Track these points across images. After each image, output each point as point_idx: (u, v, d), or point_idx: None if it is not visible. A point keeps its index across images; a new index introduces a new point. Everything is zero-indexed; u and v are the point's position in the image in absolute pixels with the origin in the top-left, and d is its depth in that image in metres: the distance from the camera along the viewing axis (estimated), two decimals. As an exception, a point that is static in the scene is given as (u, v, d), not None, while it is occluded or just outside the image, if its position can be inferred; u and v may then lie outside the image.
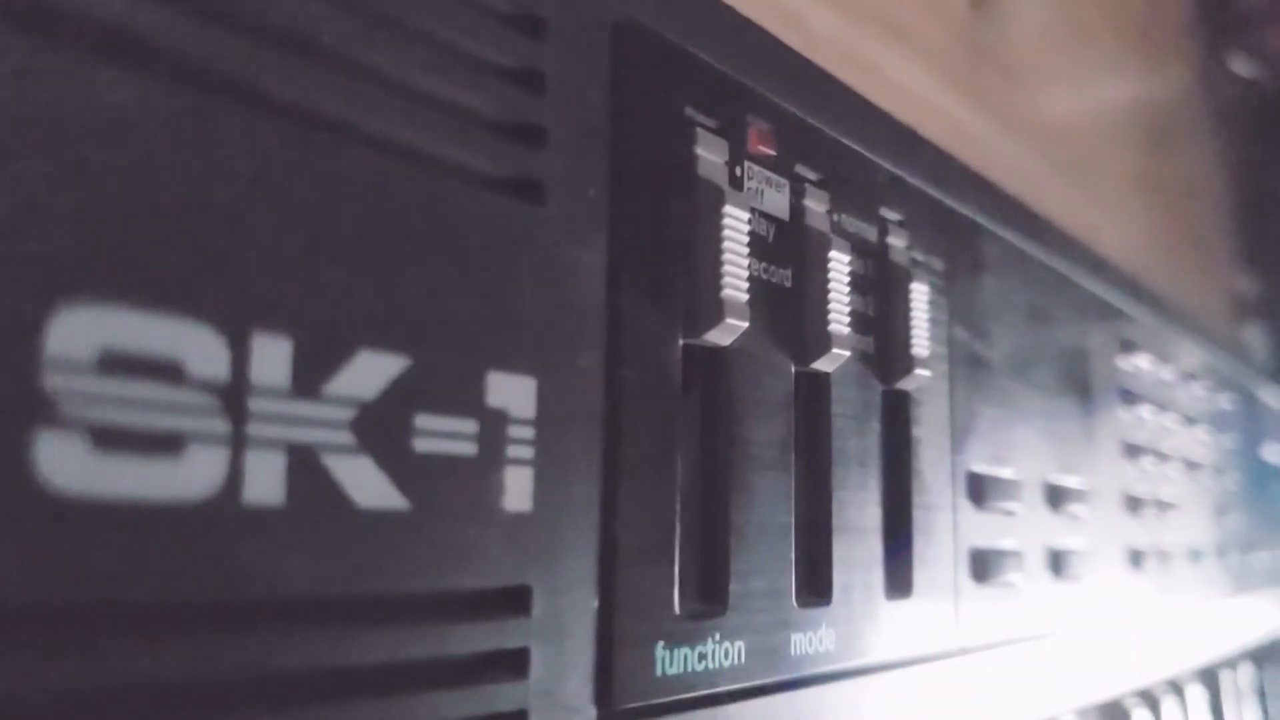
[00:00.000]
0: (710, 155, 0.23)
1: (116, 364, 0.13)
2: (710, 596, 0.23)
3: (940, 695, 0.31)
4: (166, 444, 0.13)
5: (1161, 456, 0.55)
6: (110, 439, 0.13)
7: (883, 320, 0.30)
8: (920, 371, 0.30)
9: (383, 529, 0.16)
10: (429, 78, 0.17)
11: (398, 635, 0.16)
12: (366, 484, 0.16)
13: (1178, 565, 0.56)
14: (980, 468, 0.35)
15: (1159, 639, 0.53)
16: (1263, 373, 0.86)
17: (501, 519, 0.18)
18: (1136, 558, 0.50)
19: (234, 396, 0.14)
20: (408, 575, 0.16)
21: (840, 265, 0.27)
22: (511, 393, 0.18)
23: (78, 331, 0.12)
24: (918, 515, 0.31)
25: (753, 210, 0.25)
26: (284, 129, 0.15)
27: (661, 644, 0.21)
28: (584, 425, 0.20)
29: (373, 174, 0.16)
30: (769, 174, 0.25)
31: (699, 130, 0.23)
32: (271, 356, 0.14)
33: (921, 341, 0.30)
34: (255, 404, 0.14)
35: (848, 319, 0.27)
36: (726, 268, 0.23)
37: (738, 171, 0.24)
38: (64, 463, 0.12)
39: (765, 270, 0.25)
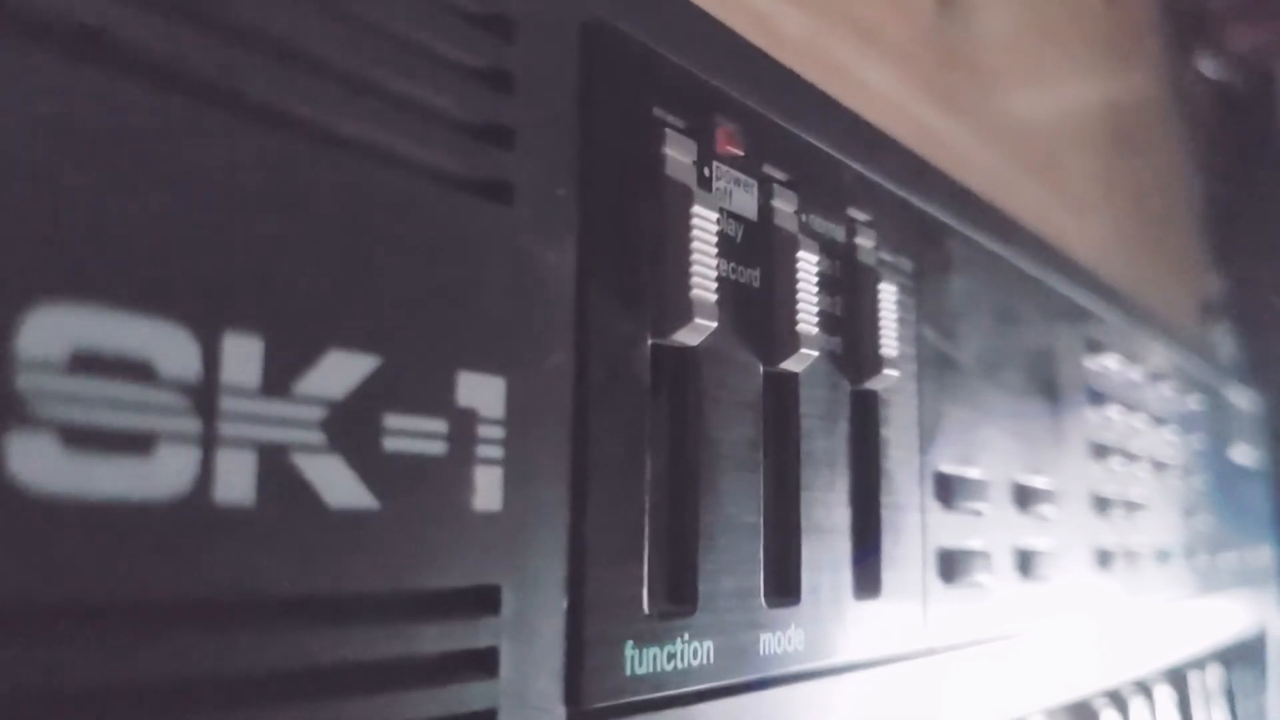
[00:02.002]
0: (679, 155, 0.24)
1: (88, 364, 0.13)
2: (679, 596, 0.23)
3: (909, 695, 0.32)
4: (138, 443, 0.13)
5: (1129, 457, 0.56)
6: (82, 438, 0.13)
7: (851, 320, 0.30)
8: (888, 371, 0.30)
9: (353, 528, 0.16)
10: (398, 78, 0.18)
11: (368, 634, 0.16)
12: (337, 483, 0.16)
13: (1146, 566, 0.57)
14: (948, 468, 0.35)
15: (1127, 639, 0.54)
16: (1230, 373, 0.88)
17: (471, 518, 0.18)
18: (1104, 558, 0.51)
19: (205, 396, 0.14)
20: (378, 574, 0.17)
21: (808, 265, 0.27)
22: (481, 392, 0.19)
23: (50, 331, 0.13)
24: (886, 515, 0.31)
25: (721, 210, 0.25)
26: (254, 130, 0.15)
27: (631, 643, 0.21)
28: (553, 425, 0.20)
29: (342, 174, 0.16)
30: (737, 174, 0.26)
31: (667, 130, 0.24)
32: (242, 356, 0.15)
33: (890, 342, 0.31)
34: (226, 403, 0.15)
35: (816, 319, 0.27)
36: (695, 268, 0.23)
37: (706, 172, 0.25)
38: (36, 462, 0.12)
39: (734, 270, 0.26)
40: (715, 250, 0.24)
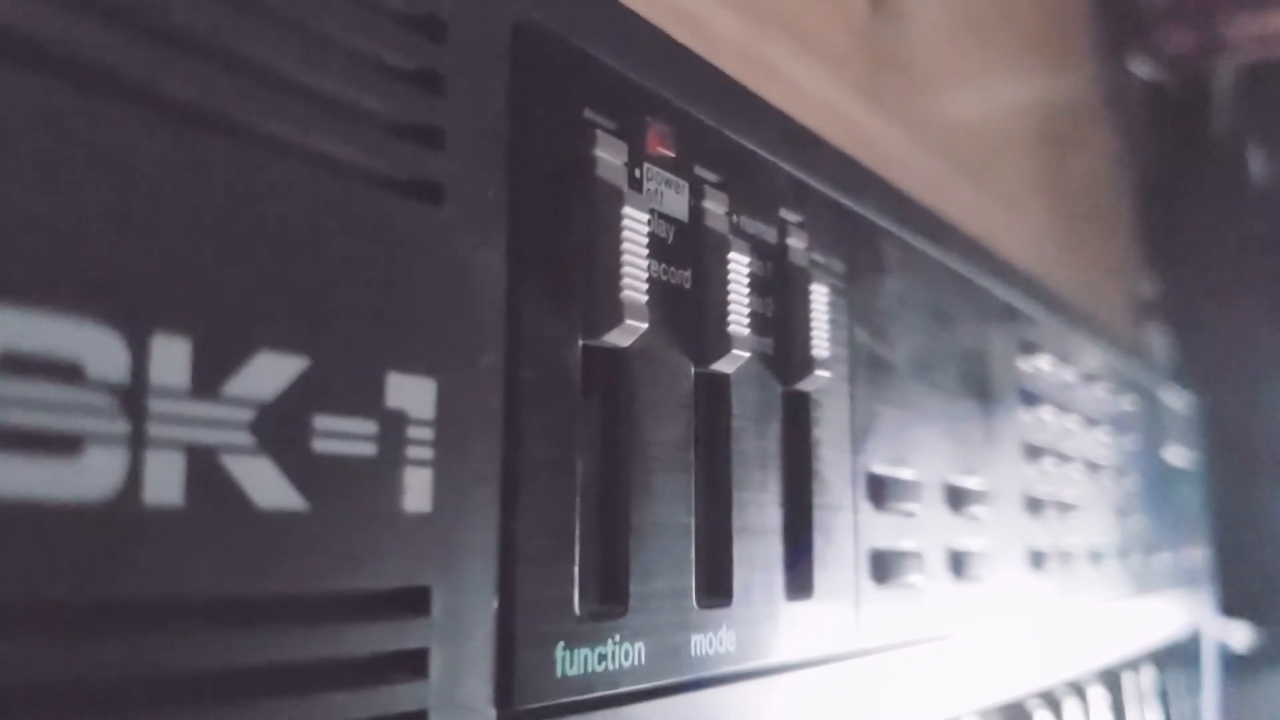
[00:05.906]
0: (609, 157, 0.24)
1: (15, 365, 0.13)
2: (610, 597, 0.24)
3: (841, 696, 0.33)
4: (66, 444, 0.14)
5: (1063, 458, 0.58)
6: (9, 440, 0.13)
7: (782, 321, 0.31)
8: (820, 373, 0.31)
9: (282, 530, 0.17)
10: (328, 79, 0.18)
11: (297, 636, 0.17)
12: (266, 485, 0.16)
13: (1079, 566, 0.59)
14: (881, 469, 0.36)
15: (1061, 640, 0.56)
16: (1164, 374, 0.91)
17: (401, 520, 0.19)
18: (1038, 559, 0.52)
19: (133, 397, 0.15)
20: (307, 576, 0.17)
21: (740, 267, 0.28)
22: (411, 393, 0.19)
23: (-23, 332, 0.13)
24: (818, 516, 0.32)
25: (652, 212, 0.26)
26: (182, 130, 0.16)
27: (562, 645, 0.22)
28: (484, 426, 0.21)
29: (271, 175, 0.17)
30: (668, 176, 0.27)
31: (598, 132, 0.24)
32: (171, 357, 0.15)
33: (821, 343, 0.32)
34: (154, 405, 0.15)
35: (747, 320, 0.28)
36: (626, 269, 0.24)
37: (637, 173, 0.26)
38: (-37, 463, 0.13)
39: (665, 272, 0.26)
40: (646, 252, 0.25)
